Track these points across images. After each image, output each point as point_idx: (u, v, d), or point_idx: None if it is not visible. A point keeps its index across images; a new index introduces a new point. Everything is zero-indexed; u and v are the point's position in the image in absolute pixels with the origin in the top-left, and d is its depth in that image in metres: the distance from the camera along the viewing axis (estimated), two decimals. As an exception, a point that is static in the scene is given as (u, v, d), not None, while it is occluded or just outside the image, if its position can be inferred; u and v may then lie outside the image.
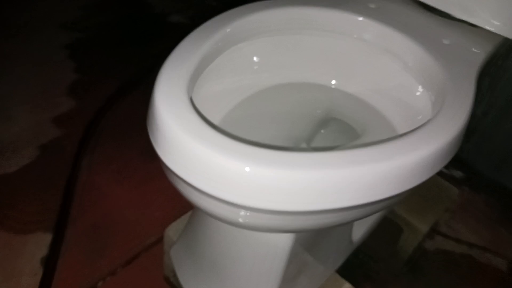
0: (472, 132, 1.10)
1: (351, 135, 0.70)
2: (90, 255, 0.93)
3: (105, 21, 1.63)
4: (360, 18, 0.68)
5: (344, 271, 0.81)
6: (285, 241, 0.60)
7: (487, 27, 0.69)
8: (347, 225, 0.78)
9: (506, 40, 0.69)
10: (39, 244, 0.94)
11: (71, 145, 1.15)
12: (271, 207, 0.47)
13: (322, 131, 0.70)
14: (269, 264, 0.63)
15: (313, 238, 0.67)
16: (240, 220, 0.52)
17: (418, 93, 0.65)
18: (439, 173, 0.55)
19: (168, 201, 1.05)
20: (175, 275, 0.86)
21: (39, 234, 0.95)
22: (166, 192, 1.06)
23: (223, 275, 0.68)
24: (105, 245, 0.95)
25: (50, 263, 0.90)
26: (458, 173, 1.15)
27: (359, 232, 0.82)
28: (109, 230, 0.98)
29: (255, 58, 0.70)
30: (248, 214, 0.50)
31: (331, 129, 0.71)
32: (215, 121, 0.65)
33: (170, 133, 0.47)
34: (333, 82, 0.73)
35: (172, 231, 0.80)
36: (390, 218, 0.94)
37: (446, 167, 0.55)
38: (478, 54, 0.64)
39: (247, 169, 0.45)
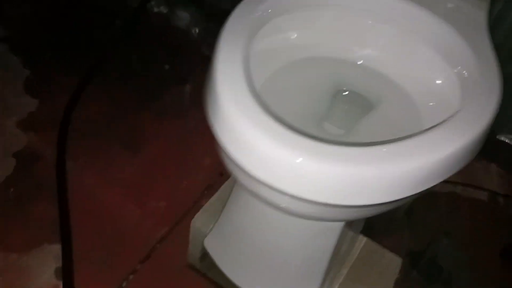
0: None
1: (366, 105, 0.73)
2: (104, 258, 0.91)
3: (39, 8, 1.50)
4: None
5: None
6: (335, 227, 0.63)
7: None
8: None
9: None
10: (48, 257, 0.90)
11: (50, 149, 1.08)
12: (317, 198, 0.48)
13: (339, 104, 0.72)
14: (319, 248, 0.66)
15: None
16: (285, 206, 0.54)
17: (439, 64, 0.66)
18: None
19: (170, 189, 1.04)
20: (201, 262, 0.87)
21: (45, 247, 0.91)
22: (168, 181, 1.05)
23: (270, 261, 0.70)
24: (117, 244, 0.94)
25: (67, 273, 0.88)
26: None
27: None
28: (116, 229, 0.96)
29: (290, 32, 0.71)
30: (295, 202, 0.51)
31: (346, 101, 0.73)
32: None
33: (230, 118, 0.49)
34: (357, 57, 0.74)
35: (199, 222, 0.80)
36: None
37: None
38: (481, 13, 0.67)
39: (299, 160, 0.46)
